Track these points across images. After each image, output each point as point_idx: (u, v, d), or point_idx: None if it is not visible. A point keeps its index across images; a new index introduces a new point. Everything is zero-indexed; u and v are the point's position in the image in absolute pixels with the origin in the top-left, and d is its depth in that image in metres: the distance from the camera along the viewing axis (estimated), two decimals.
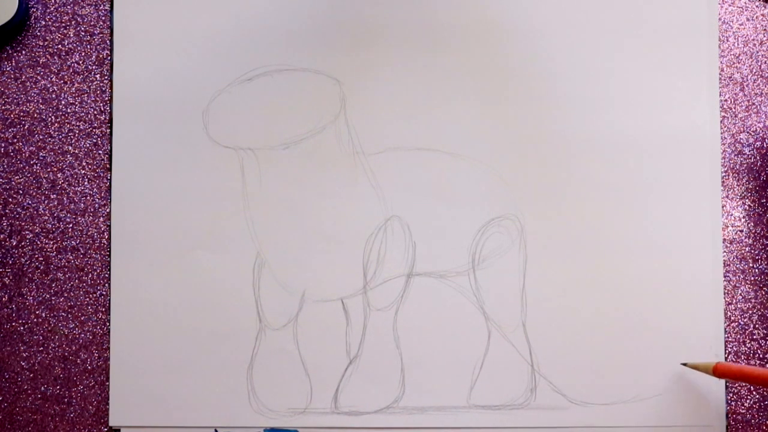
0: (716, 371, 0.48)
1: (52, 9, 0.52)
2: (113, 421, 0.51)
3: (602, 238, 0.51)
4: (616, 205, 0.51)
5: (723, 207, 0.52)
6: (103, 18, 0.52)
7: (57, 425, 0.51)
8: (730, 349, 0.51)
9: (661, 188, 0.51)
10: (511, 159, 0.52)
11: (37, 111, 0.52)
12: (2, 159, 0.52)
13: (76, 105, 0.52)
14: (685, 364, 0.50)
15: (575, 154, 0.51)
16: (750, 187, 0.52)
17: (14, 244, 0.52)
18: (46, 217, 0.52)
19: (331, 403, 0.51)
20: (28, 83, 0.52)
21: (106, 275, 0.51)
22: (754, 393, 0.51)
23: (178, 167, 0.52)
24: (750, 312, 0.51)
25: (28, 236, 0.52)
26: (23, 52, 0.52)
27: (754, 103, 0.52)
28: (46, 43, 0.52)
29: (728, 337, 0.51)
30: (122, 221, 0.51)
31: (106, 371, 0.51)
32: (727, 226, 0.52)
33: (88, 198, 0.52)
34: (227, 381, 0.51)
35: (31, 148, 0.52)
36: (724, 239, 0.51)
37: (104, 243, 0.52)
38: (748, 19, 0.52)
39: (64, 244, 0.52)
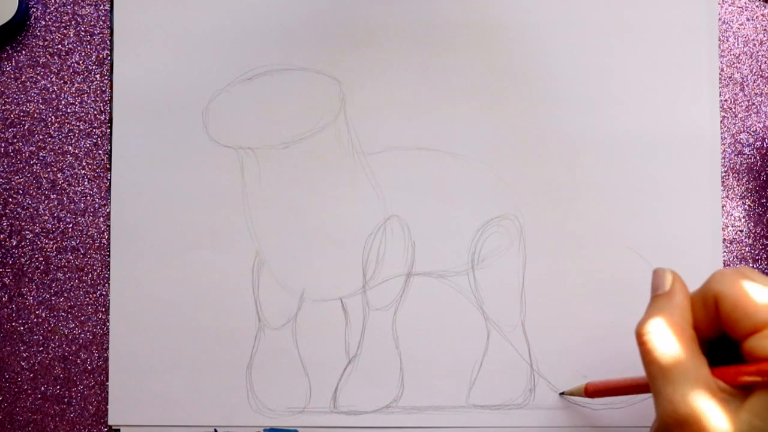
0: (587, 391, 0.48)
1: (52, 9, 0.52)
2: (112, 421, 0.51)
3: (602, 238, 0.51)
4: (615, 204, 0.51)
5: (723, 207, 0.52)
6: (103, 18, 0.52)
7: (57, 425, 0.51)
8: None
9: (661, 188, 0.51)
10: (511, 159, 0.51)
11: (37, 111, 0.52)
12: (2, 159, 0.52)
13: (76, 105, 0.52)
14: (562, 394, 0.50)
15: (575, 154, 0.51)
16: (750, 187, 0.52)
17: (14, 244, 0.52)
18: (46, 217, 0.52)
19: (330, 403, 0.51)
20: (28, 83, 0.52)
21: (106, 275, 0.52)
22: None
23: (178, 167, 0.52)
24: None
25: (28, 236, 0.52)
26: (23, 52, 0.52)
27: (754, 103, 0.52)
28: (46, 43, 0.52)
29: None
30: (122, 221, 0.52)
31: (105, 371, 0.51)
32: (727, 226, 0.52)
33: (88, 198, 0.52)
34: (226, 380, 0.51)
35: (31, 148, 0.52)
36: (724, 239, 0.51)
37: (104, 243, 0.52)
38: (748, 19, 0.52)
39: (64, 244, 0.52)
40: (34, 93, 0.52)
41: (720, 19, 0.52)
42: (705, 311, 0.40)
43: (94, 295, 0.51)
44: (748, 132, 0.52)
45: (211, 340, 0.51)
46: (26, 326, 0.51)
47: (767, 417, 0.36)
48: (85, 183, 0.52)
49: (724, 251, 0.51)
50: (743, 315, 0.38)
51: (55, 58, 0.52)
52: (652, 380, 0.39)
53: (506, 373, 0.51)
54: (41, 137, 0.52)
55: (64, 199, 0.52)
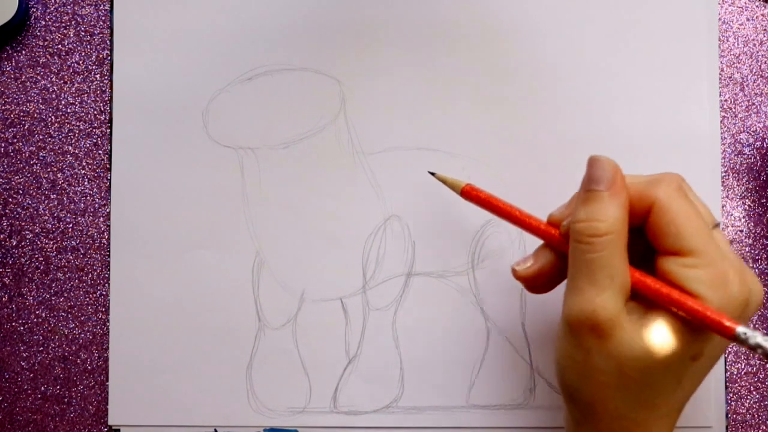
0: (463, 191, 0.46)
1: (52, 9, 0.52)
2: (112, 421, 0.51)
3: None
4: None
5: (723, 207, 0.52)
6: (103, 18, 0.52)
7: (57, 425, 0.51)
8: (729, 349, 0.51)
9: None
10: (511, 159, 0.51)
11: (37, 111, 0.52)
12: (2, 159, 0.52)
13: (76, 105, 0.52)
14: (433, 174, 0.48)
15: (575, 153, 0.51)
16: (750, 187, 0.52)
17: (14, 244, 0.52)
18: (46, 217, 0.52)
19: (330, 403, 0.51)
20: (28, 83, 0.52)
21: (106, 275, 0.52)
22: (754, 393, 0.51)
23: (178, 167, 0.52)
24: None
25: (28, 236, 0.52)
26: (23, 52, 0.52)
27: (754, 103, 0.52)
28: (46, 43, 0.52)
29: None
30: (122, 221, 0.52)
31: (105, 371, 0.51)
32: (727, 226, 0.52)
33: (88, 198, 0.52)
34: (226, 380, 0.51)
35: (31, 148, 0.52)
36: None
37: (104, 243, 0.52)
38: (748, 19, 0.52)
39: (64, 244, 0.52)
40: (34, 93, 0.52)
41: (720, 19, 0.52)
42: (632, 208, 0.39)
43: (94, 295, 0.51)
44: (748, 132, 0.52)
45: (211, 340, 0.51)
46: (26, 326, 0.51)
47: (667, 340, 0.37)
48: (85, 183, 0.52)
49: None
50: (675, 234, 0.38)
51: (55, 58, 0.52)
52: (578, 275, 0.39)
53: (506, 373, 0.51)
54: (41, 137, 0.52)
55: (64, 199, 0.52)
